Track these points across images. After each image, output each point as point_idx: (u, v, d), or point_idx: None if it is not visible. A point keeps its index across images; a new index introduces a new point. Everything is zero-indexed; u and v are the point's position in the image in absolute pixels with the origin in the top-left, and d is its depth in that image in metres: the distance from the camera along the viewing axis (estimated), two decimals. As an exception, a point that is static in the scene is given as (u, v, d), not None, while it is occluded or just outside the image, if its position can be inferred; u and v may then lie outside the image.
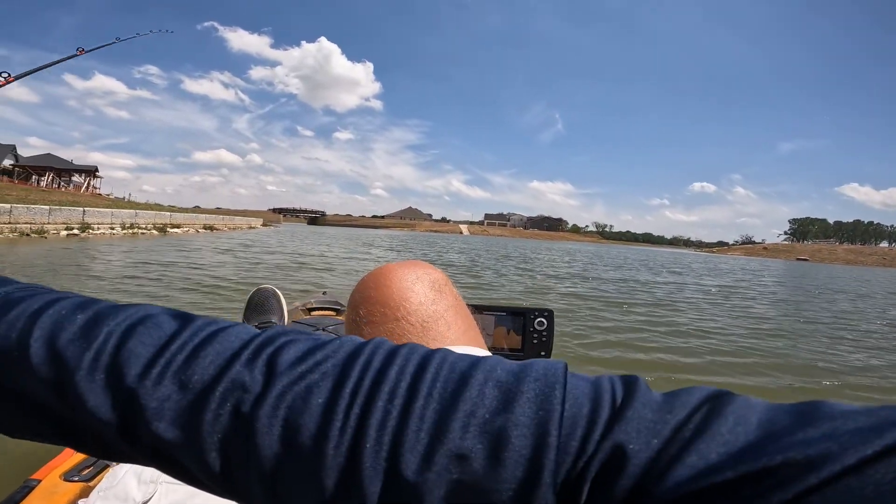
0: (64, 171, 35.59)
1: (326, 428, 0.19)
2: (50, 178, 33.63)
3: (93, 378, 0.21)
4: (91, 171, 37.99)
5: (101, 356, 0.22)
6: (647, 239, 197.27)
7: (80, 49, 2.40)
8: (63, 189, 31.85)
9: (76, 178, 36.59)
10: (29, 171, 32.90)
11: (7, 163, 32.38)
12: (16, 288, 0.26)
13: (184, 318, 0.24)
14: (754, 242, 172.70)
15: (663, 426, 0.17)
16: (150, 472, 0.49)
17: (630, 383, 0.19)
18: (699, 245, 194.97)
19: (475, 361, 0.21)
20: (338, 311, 1.91)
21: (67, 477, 0.97)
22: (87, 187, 36.21)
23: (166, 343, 0.23)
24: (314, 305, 1.97)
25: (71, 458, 1.02)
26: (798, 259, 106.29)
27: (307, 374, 0.21)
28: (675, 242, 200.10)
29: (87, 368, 0.22)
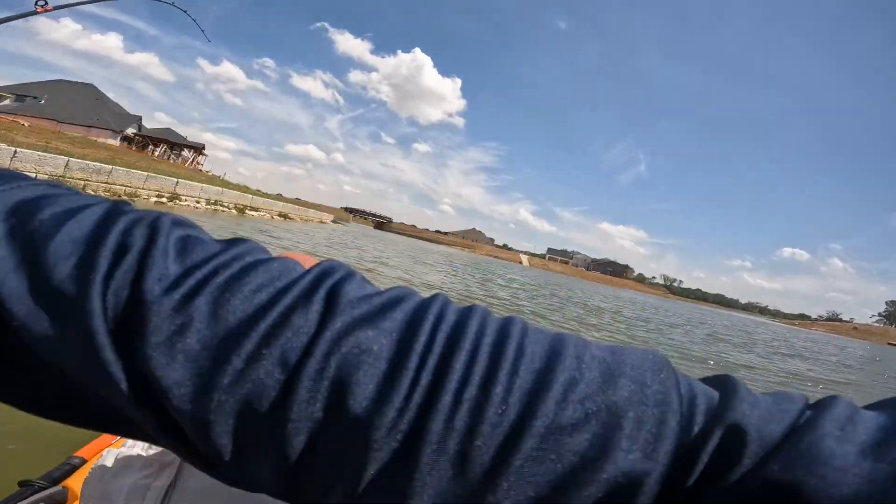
0: (176, 144, 39.50)
1: (388, 394, 0.16)
2: (163, 149, 37.44)
3: (107, 285, 0.18)
4: (199, 148, 41.80)
5: (125, 256, 0.18)
6: (719, 300, 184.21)
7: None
8: (171, 161, 35.33)
9: (185, 152, 40.44)
10: (147, 141, 36.82)
11: (130, 131, 36.48)
12: (37, 183, 0.22)
13: (231, 239, 0.21)
14: (841, 320, 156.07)
15: (782, 414, 0.16)
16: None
17: (728, 378, 0.19)
18: (775, 314, 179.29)
19: (561, 335, 0.19)
20: None
21: None
22: (192, 162, 39.87)
23: (211, 256, 0.19)
24: None
25: (119, 439, 1.01)
26: (889, 344, 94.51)
27: (370, 318, 0.18)
28: (750, 308, 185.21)
29: (104, 274, 0.18)
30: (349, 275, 0.20)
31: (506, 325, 0.19)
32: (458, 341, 0.18)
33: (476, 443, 0.15)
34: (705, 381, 0.19)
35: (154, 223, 0.20)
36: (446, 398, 0.16)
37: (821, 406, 0.17)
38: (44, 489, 0.84)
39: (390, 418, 0.16)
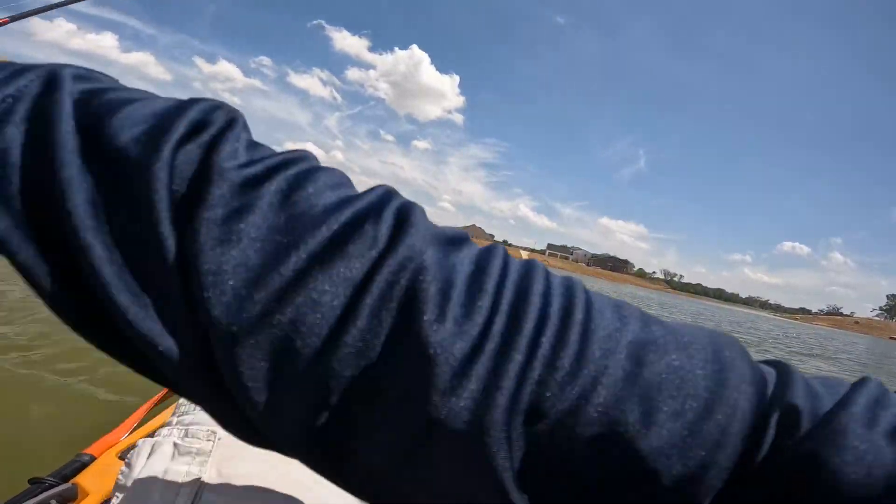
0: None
1: (462, 326, 0.15)
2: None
3: (177, 150, 0.16)
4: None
5: (202, 132, 0.17)
6: (719, 295, 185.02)
7: None
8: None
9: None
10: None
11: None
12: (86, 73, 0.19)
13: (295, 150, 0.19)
14: (842, 314, 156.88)
15: (830, 396, 0.16)
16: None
17: (780, 362, 0.19)
18: (776, 309, 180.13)
19: (618, 302, 0.18)
20: None
21: (123, 455, 0.94)
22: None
23: (278, 153, 0.18)
24: None
25: (127, 437, 1.03)
26: (891, 338, 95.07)
27: (442, 242, 0.17)
28: (750, 303, 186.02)
29: (176, 140, 0.16)
30: (414, 204, 0.18)
31: (570, 279, 0.19)
32: (532, 279, 0.17)
33: (553, 386, 0.15)
34: (762, 363, 0.19)
35: (232, 112, 0.19)
36: (523, 339, 0.15)
37: (854, 388, 0.17)
38: (54, 486, 0.84)
39: (468, 347, 0.15)
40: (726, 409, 0.15)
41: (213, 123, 0.18)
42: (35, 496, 0.80)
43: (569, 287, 0.18)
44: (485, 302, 0.16)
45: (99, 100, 0.17)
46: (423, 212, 0.18)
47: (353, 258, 0.15)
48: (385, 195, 0.18)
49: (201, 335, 0.15)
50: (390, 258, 0.15)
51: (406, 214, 0.17)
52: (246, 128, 0.19)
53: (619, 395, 0.15)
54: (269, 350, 0.15)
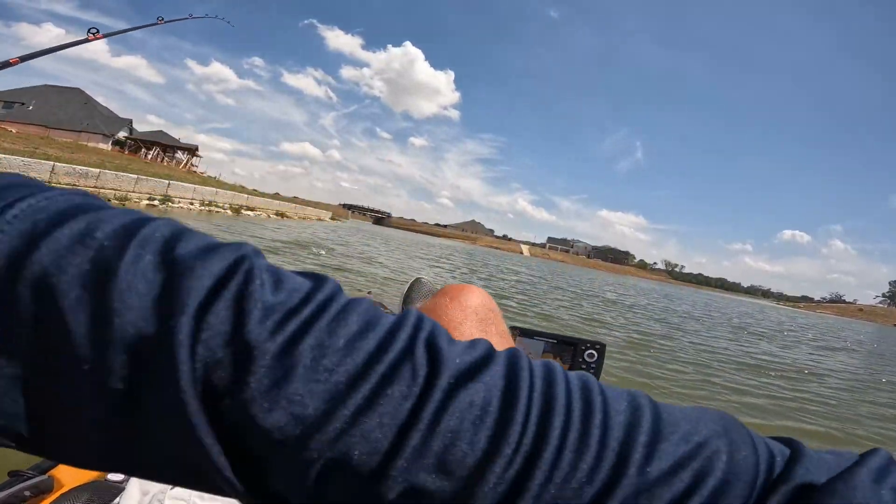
0: (169, 147, 39.05)
1: (498, 446, 0.16)
2: (156, 152, 36.98)
3: (212, 306, 0.17)
4: (192, 150, 41.38)
5: (229, 281, 0.17)
6: (721, 285, 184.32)
7: (160, 18, 2.50)
8: (165, 163, 34.89)
9: (179, 154, 39.99)
10: (139, 144, 36.37)
11: (122, 135, 35.99)
12: (69, 194, 0.19)
13: (314, 275, 0.20)
14: (845, 301, 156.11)
15: (843, 465, 0.18)
16: None
17: (792, 440, 0.20)
18: (779, 297, 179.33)
19: (632, 392, 0.20)
20: None
21: None
22: (186, 164, 39.44)
23: (308, 294, 0.18)
24: None
25: None
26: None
27: (472, 374, 0.18)
28: (752, 292, 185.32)
29: (207, 292, 0.17)
30: (437, 326, 0.20)
31: (586, 379, 0.20)
32: (554, 395, 0.18)
33: (572, 493, 0.16)
34: (773, 439, 0.20)
35: (240, 250, 0.19)
36: (550, 450, 0.16)
37: (862, 457, 0.18)
38: (31, 478, 0.85)
39: (500, 469, 0.16)
40: (726, 489, 0.16)
41: (231, 279, 0.17)
42: (11, 487, 0.82)
43: (587, 398, 0.18)
44: (519, 418, 0.17)
45: (90, 248, 0.16)
46: (446, 335, 0.19)
47: (395, 405, 0.17)
48: (414, 328, 0.19)
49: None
50: (429, 401, 0.17)
51: (435, 349, 0.18)
52: (263, 268, 0.19)
53: (633, 491, 0.16)
54: (332, 480, 0.17)
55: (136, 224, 0.18)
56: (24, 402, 0.16)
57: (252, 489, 0.18)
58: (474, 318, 0.48)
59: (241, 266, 0.18)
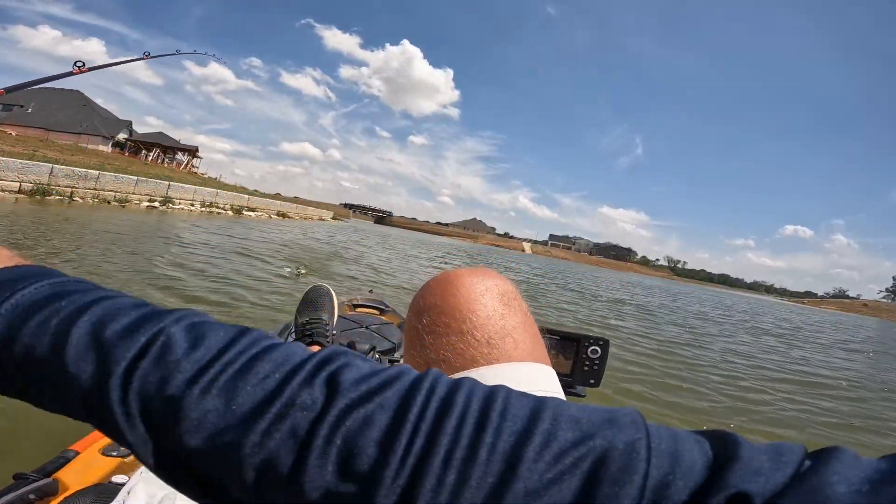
0: (169, 148, 38.88)
1: (386, 457, 0.19)
2: (156, 153, 36.82)
3: (130, 380, 0.22)
4: (192, 151, 41.21)
5: (145, 355, 0.22)
6: (724, 280, 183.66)
7: (147, 54, 2.69)
8: (166, 165, 34.72)
9: (179, 155, 39.82)
10: (139, 146, 36.22)
11: (122, 136, 35.84)
12: (68, 280, 0.26)
13: (239, 330, 0.24)
14: (849, 297, 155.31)
15: (783, 465, 0.17)
16: None
17: (724, 435, 0.20)
18: (782, 293, 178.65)
19: (541, 399, 0.21)
20: (381, 311, 2.01)
21: (106, 451, 0.97)
22: (187, 165, 39.27)
23: (219, 352, 0.22)
24: (359, 302, 2.05)
25: None
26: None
27: (369, 397, 0.21)
28: (756, 288, 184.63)
29: (124, 367, 0.22)
30: (349, 361, 0.23)
31: (492, 393, 0.21)
32: (448, 409, 0.20)
33: (463, 497, 0.17)
34: (705, 434, 0.20)
35: (161, 322, 0.23)
36: (437, 459, 0.18)
37: (822, 455, 0.18)
38: (36, 481, 0.85)
39: (389, 478, 0.18)
40: (614, 489, 0.17)
41: (152, 346, 0.23)
42: (16, 490, 0.82)
43: (484, 409, 0.20)
44: (405, 432, 0.19)
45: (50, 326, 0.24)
46: (356, 368, 0.22)
47: (296, 426, 0.20)
48: (319, 365, 0.22)
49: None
50: (325, 421, 0.20)
51: (335, 380, 0.21)
52: (180, 335, 0.23)
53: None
54: (251, 490, 0.20)
55: (82, 310, 0.23)
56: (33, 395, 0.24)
57: (214, 497, 0.22)
58: (496, 292, 0.47)
59: (158, 338, 0.22)
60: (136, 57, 2.61)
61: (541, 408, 0.20)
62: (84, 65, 1.99)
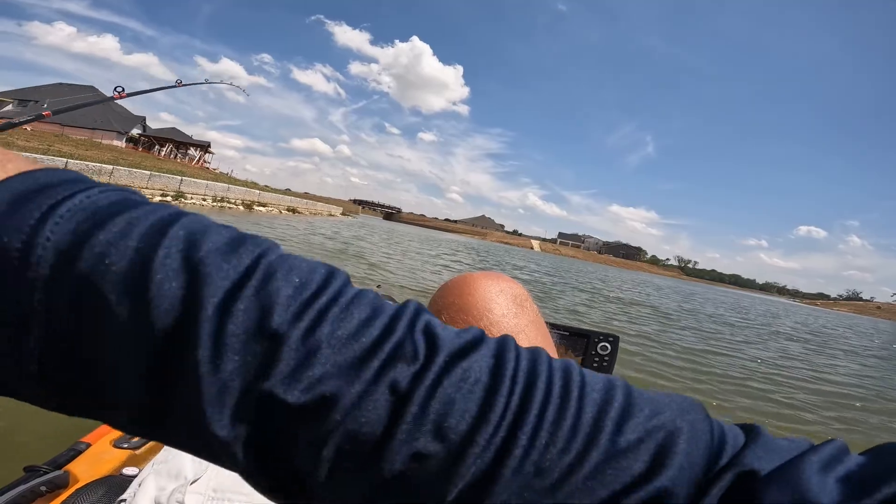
0: (182, 143, 39.12)
1: (486, 415, 0.19)
2: (169, 149, 37.08)
3: (228, 309, 0.18)
4: (205, 147, 41.45)
5: (245, 284, 0.19)
6: (735, 281, 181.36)
7: (179, 81, 2.86)
8: (178, 160, 34.95)
9: (192, 151, 40.07)
10: (152, 141, 36.45)
11: (135, 132, 36.11)
12: (123, 188, 0.22)
13: (328, 268, 0.22)
14: (861, 299, 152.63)
15: (790, 455, 0.19)
16: None
17: (754, 427, 0.21)
18: (794, 294, 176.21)
19: (609, 377, 0.22)
20: None
21: (117, 443, 0.97)
22: (199, 160, 39.53)
23: (319, 289, 0.20)
24: None
25: None
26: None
27: (465, 353, 0.20)
28: (767, 288, 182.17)
29: (223, 295, 0.18)
30: (432, 317, 0.22)
31: (566, 363, 0.22)
32: (537, 372, 0.20)
33: (550, 457, 0.18)
34: (736, 426, 0.22)
35: (259, 246, 0.21)
36: (531, 419, 0.19)
37: (815, 447, 0.19)
38: (47, 473, 0.86)
39: (488, 434, 0.18)
40: (681, 462, 0.18)
41: (252, 277, 0.19)
42: (27, 483, 0.83)
43: (566, 376, 0.21)
44: (504, 391, 0.19)
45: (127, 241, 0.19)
46: (441, 324, 0.22)
47: (398, 380, 0.19)
48: (413, 315, 0.21)
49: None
50: (427, 375, 0.19)
51: (432, 332, 0.21)
52: (281, 263, 0.20)
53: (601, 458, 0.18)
54: (342, 447, 0.18)
55: (166, 222, 0.19)
56: (75, 372, 0.19)
57: (267, 468, 0.19)
58: (509, 294, 0.50)
59: (260, 263, 0.20)
60: (169, 85, 2.84)
61: (613, 383, 0.21)
62: (123, 90, 2.26)
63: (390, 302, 0.20)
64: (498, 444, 0.18)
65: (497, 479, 0.18)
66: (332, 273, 0.22)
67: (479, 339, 0.21)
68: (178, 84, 2.81)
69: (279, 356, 0.18)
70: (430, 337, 0.20)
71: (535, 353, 0.22)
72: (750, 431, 0.21)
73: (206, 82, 3.59)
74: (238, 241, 0.20)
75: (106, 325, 0.18)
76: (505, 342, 0.22)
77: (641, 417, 0.19)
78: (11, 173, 0.19)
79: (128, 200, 0.20)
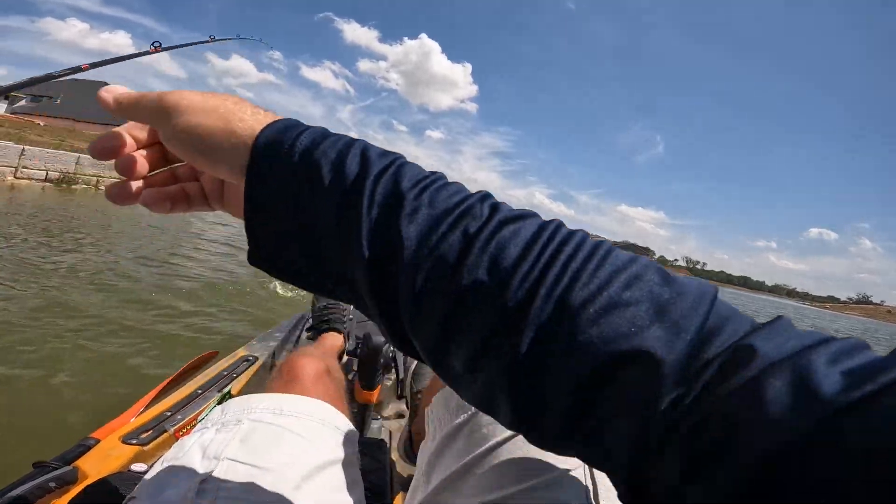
0: (191, 140, 39.16)
1: (525, 256, 0.24)
2: (179, 145, 37.08)
3: (380, 178, 0.28)
4: (212, 143, 41.39)
5: (390, 167, 0.28)
6: (744, 283, 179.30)
7: (212, 37, 2.90)
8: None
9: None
10: (163, 137, 36.48)
11: (147, 128, 36.15)
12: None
13: (431, 172, 0.30)
14: (872, 302, 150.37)
15: (797, 340, 0.20)
16: (215, 447, 0.50)
17: (780, 318, 0.23)
18: (804, 297, 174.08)
19: (642, 257, 0.26)
20: None
21: (126, 439, 0.98)
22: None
23: (427, 175, 0.29)
24: None
25: (132, 421, 1.04)
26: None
27: (515, 219, 0.26)
28: (777, 290, 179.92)
29: (378, 170, 0.28)
30: (500, 202, 0.29)
31: (602, 242, 0.26)
32: (571, 237, 0.26)
33: (572, 294, 0.23)
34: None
35: (397, 155, 0.30)
36: (558, 265, 0.24)
37: (830, 339, 0.20)
38: (56, 469, 0.85)
39: (525, 270, 0.24)
40: (673, 325, 0.21)
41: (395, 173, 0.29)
42: (36, 479, 0.82)
43: (595, 244, 0.26)
44: (541, 243, 0.25)
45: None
46: (505, 204, 0.29)
47: (468, 228, 0.26)
48: (485, 194, 0.29)
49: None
50: (487, 227, 0.26)
51: (495, 204, 0.28)
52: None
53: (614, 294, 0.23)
54: (429, 272, 0.26)
55: (351, 141, 0.30)
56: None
57: (384, 291, 0.28)
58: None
59: (397, 161, 0.30)
60: (203, 40, 2.85)
61: (639, 258, 0.25)
62: (161, 44, 2.18)
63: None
64: (532, 279, 0.23)
65: (531, 304, 0.23)
66: (437, 173, 0.30)
67: (531, 213, 0.28)
68: (211, 39, 2.92)
69: (403, 204, 0.27)
70: (494, 206, 0.28)
71: (576, 231, 0.27)
72: (775, 319, 0.22)
73: (238, 38, 3.75)
74: (386, 152, 0.30)
75: (309, 189, 0.29)
76: (554, 220, 0.28)
77: (653, 284, 0.23)
78: (273, 119, 0.31)
79: (329, 133, 0.31)
